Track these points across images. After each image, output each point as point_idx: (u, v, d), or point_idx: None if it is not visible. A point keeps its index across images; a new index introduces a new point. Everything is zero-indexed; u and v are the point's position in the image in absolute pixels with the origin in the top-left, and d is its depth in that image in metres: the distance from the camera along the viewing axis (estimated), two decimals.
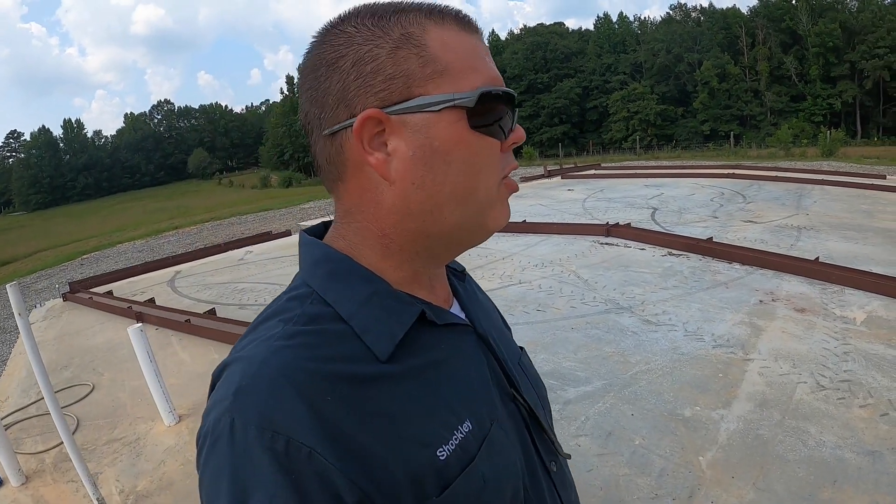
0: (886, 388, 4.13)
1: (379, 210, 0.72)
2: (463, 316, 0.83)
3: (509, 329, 1.01)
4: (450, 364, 0.74)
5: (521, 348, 0.98)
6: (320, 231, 0.81)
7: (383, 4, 0.72)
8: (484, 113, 0.69)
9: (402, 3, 0.72)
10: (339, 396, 0.61)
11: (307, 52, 0.74)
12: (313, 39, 0.73)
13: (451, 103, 0.68)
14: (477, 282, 1.00)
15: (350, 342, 0.67)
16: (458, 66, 0.69)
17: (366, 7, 0.72)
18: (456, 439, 0.67)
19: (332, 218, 0.80)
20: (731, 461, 3.44)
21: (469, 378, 0.75)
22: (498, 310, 1.03)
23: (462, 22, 0.73)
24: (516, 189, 0.77)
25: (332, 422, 0.60)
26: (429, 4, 0.72)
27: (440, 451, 0.65)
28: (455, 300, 0.86)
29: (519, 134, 0.75)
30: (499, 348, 0.84)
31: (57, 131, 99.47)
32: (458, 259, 0.89)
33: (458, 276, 0.92)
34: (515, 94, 0.74)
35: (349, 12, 0.72)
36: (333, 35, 0.71)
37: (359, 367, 0.65)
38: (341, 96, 0.69)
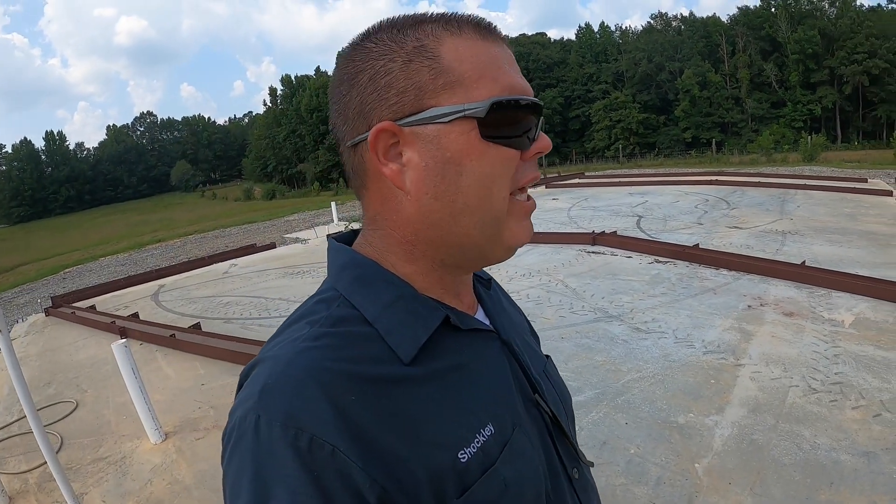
0: (878, 389, 4.14)
1: (399, 218, 0.73)
2: (487, 322, 0.83)
3: (537, 337, 1.03)
4: (473, 368, 0.74)
5: (547, 356, 0.98)
6: (349, 238, 0.82)
7: (403, 17, 0.73)
8: (498, 123, 0.69)
9: (422, 14, 0.73)
10: (362, 396, 0.62)
11: (334, 69, 0.77)
12: (339, 56, 0.76)
13: (462, 114, 0.68)
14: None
15: (374, 344, 0.68)
16: (470, 76, 0.69)
17: (387, 21, 0.73)
18: (478, 442, 0.67)
19: (350, 227, 0.80)
20: (727, 467, 3.42)
21: (492, 383, 0.75)
22: (527, 319, 1.04)
23: (482, 30, 0.72)
24: (529, 210, 0.75)
25: (356, 421, 0.60)
26: (449, 14, 0.73)
27: (461, 454, 0.65)
28: (480, 307, 0.86)
29: (543, 143, 0.73)
30: (523, 355, 0.84)
31: (39, 143, 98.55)
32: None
33: (484, 284, 0.92)
34: (539, 103, 0.72)
35: (371, 28, 0.74)
36: (355, 51, 0.72)
37: (383, 369, 0.66)
38: (360, 109, 0.71)
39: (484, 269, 0.88)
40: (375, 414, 0.62)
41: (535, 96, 0.73)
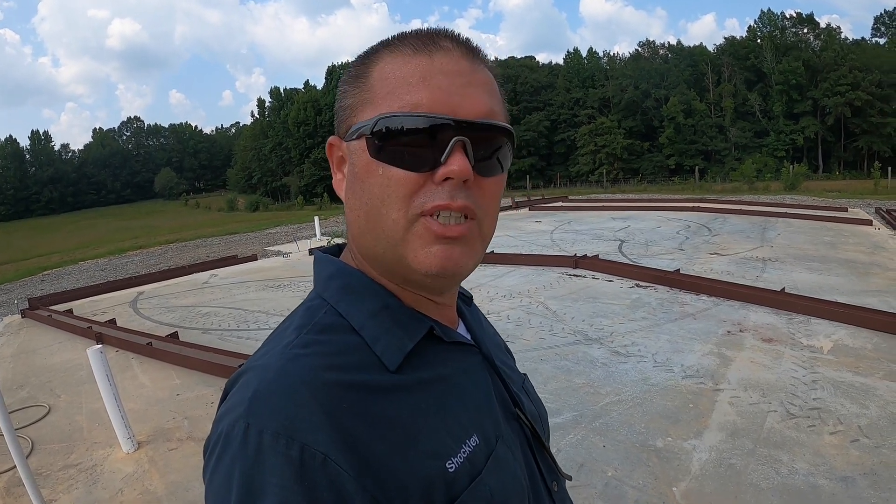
0: (855, 415, 4.18)
1: (349, 229, 0.78)
2: (469, 337, 0.85)
3: (512, 357, 1.03)
4: (456, 381, 0.75)
5: (525, 375, 1.00)
6: (335, 253, 0.85)
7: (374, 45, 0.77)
8: (386, 141, 0.68)
9: (387, 37, 0.76)
10: (353, 405, 0.63)
11: None
12: None
13: (358, 131, 0.70)
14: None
15: (361, 352, 0.69)
16: (381, 94, 0.70)
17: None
18: (464, 452, 0.68)
19: (333, 241, 0.80)
20: (705, 491, 3.42)
21: (474, 396, 0.76)
22: (501, 338, 1.04)
23: (420, 44, 0.71)
24: (443, 235, 0.68)
25: (347, 429, 0.60)
26: (403, 32, 0.74)
27: (449, 464, 0.66)
28: (461, 322, 0.87)
29: (451, 167, 0.66)
30: (503, 370, 0.85)
31: (24, 142, 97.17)
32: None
33: (466, 302, 0.93)
34: (447, 121, 0.67)
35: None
36: None
37: (371, 377, 0.66)
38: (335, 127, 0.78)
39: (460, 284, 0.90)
40: (366, 422, 0.62)
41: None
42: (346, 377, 0.64)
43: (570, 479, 0.92)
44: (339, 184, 0.77)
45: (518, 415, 0.82)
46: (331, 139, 0.77)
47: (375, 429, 0.62)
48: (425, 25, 0.76)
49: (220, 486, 0.59)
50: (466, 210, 0.68)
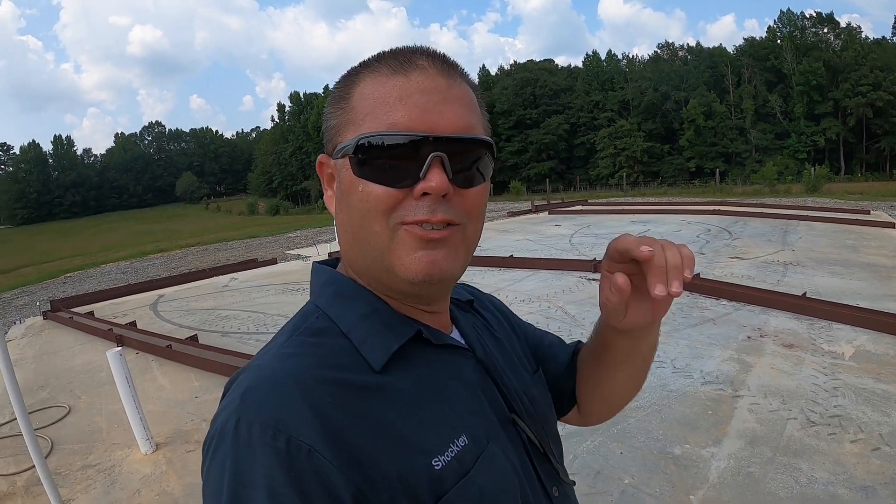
0: (877, 423, 4.10)
1: (340, 243, 0.82)
2: (463, 342, 0.86)
3: (530, 359, 1.03)
4: (446, 382, 0.77)
5: (536, 370, 1.01)
6: (333, 264, 0.88)
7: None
8: (367, 159, 0.71)
9: (367, 58, 0.79)
10: (338, 400, 0.65)
11: None
12: None
13: (342, 150, 0.74)
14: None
15: (349, 354, 0.72)
16: (361, 114, 0.73)
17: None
18: (452, 452, 0.70)
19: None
20: (723, 500, 3.37)
21: (464, 398, 0.78)
22: (520, 340, 1.05)
23: (396, 65, 0.74)
24: (425, 238, 0.71)
25: (332, 423, 0.63)
26: (379, 53, 0.78)
27: (436, 461, 0.67)
28: (454, 327, 0.89)
29: (428, 183, 0.69)
30: (501, 374, 0.86)
31: (47, 147, 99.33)
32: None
33: (462, 307, 0.95)
34: (423, 137, 0.70)
35: None
36: None
37: (357, 377, 0.69)
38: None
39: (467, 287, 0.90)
40: (351, 417, 0.64)
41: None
42: (333, 375, 0.67)
43: (574, 484, 0.92)
44: (330, 200, 0.82)
45: (514, 420, 0.83)
46: (320, 157, 0.82)
47: (360, 425, 0.65)
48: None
49: (215, 478, 0.61)
50: (447, 222, 0.72)
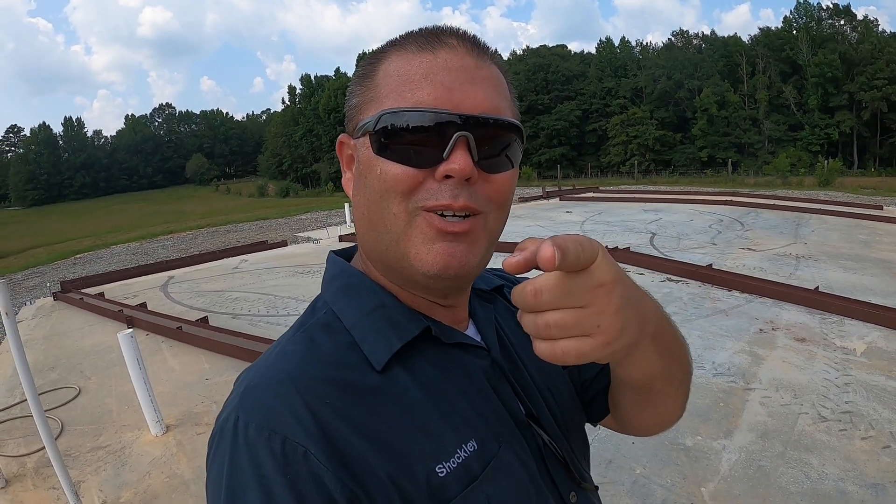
0: (888, 421, 4.07)
1: (356, 228, 0.77)
2: (479, 339, 0.81)
3: None
4: (455, 384, 0.73)
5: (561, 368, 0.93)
6: (349, 254, 0.85)
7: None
8: (388, 137, 0.67)
9: (395, 37, 0.76)
10: (336, 401, 0.63)
11: None
12: None
13: (363, 128, 0.70)
14: None
15: (351, 351, 0.69)
16: (385, 92, 0.69)
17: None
18: (459, 458, 0.67)
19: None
20: (734, 492, 3.36)
21: (476, 399, 0.74)
22: None
23: (424, 42, 0.70)
24: (444, 230, 0.66)
25: (328, 425, 0.61)
26: (410, 31, 0.74)
27: (440, 468, 0.65)
28: (472, 322, 0.84)
29: (451, 164, 0.65)
30: (521, 373, 0.83)
31: (57, 128, 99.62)
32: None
33: (486, 297, 0.90)
34: (451, 118, 0.65)
35: None
36: None
37: (356, 376, 0.67)
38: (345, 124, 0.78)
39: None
40: (348, 419, 0.63)
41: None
42: (333, 374, 0.66)
43: (597, 489, 0.87)
44: (348, 183, 0.78)
45: (529, 423, 0.78)
46: (341, 137, 0.78)
47: (357, 427, 0.63)
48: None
49: (215, 475, 0.61)
50: (468, 210, 0.67)
